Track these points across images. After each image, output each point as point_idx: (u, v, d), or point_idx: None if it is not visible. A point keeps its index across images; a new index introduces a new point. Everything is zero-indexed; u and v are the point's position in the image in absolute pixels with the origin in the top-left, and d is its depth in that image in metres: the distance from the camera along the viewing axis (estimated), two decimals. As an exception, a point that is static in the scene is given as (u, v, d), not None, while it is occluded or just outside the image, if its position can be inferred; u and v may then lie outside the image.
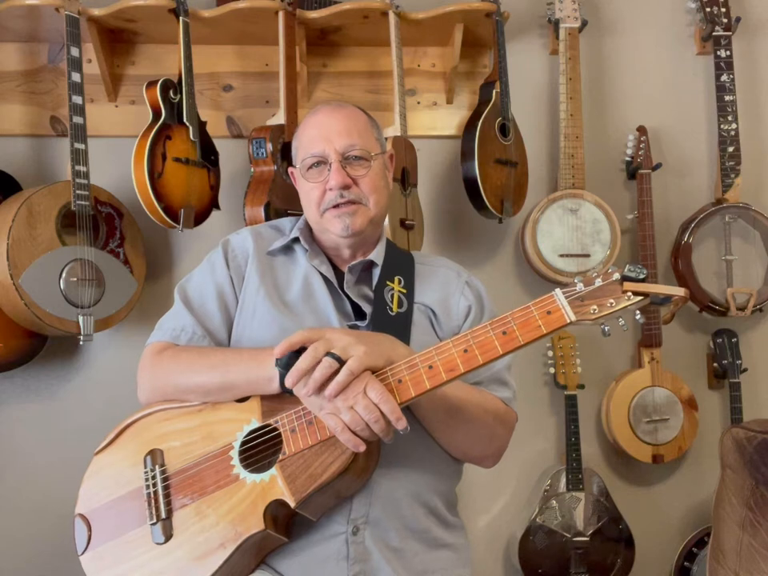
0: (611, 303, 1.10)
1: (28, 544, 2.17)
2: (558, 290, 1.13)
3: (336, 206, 1.35)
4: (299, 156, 1.41)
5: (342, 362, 1.14)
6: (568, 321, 1.11)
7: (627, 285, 1.10)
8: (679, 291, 1.10)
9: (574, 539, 2.20)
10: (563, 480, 2.22)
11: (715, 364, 2.34)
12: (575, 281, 1.14)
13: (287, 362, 1.17)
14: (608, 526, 2.22)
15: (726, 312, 2.27)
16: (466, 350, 1.14)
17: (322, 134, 1.37)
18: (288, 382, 1.15)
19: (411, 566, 1.27)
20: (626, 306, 1.10)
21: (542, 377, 2.36)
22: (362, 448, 1.14)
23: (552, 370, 2.27)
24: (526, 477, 2.34)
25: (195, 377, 1.28)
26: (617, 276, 1.11)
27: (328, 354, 1.14)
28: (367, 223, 1.37)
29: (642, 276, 1.10)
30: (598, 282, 1.12)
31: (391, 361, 1.18)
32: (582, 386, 2.25)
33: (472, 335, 1.15)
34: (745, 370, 2.31)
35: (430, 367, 1.15)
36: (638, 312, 1.13)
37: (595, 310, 1.11)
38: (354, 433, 1.13)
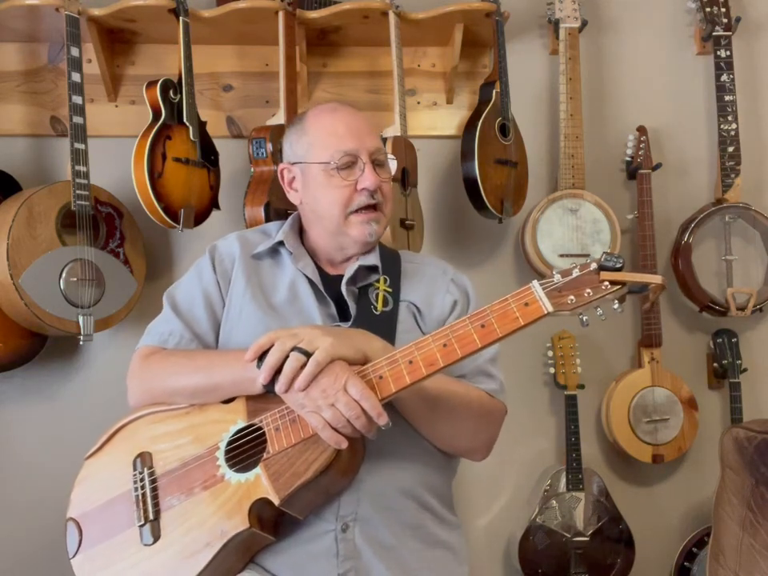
0: (588, 293, 1.11)
1: (28, 544, 2.17)
2: (535, 282, 1.14)
3: (365, 208, 1.36)
4: (321, 153, 1.37)
5: (309, 355, 1.15)
6: (545, 312, 1.12)
7: (604, 274, 1.11)
8: (656, 279, 1.11)
9: (574, 539, 2.19)
10: (563, 480, 2.22)
11: (715, 364, 2.34)
12: (553, 272, 1.14)
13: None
14: (608, 525, 2.22)
15: (726, 312, 2.27)
16: (445, 345, 1.15)
17: (351, 132, 1.37)
18: (261, 380, 1.17)
19: (405, 564, 1.26)
20: (604, 296, 1.11)
21: (541, 377, 2.36)
22: (344, 445, 1.14)
23: (552, 370, 2.26)
24: (525, 477, 2.34)
25: (182, 379, 1.29)
26: (594, 266, 1.12)
27: (295, 348, 1.15)
28: (383, 231, 1.40)
29: (618, 265, 1.11)
30: (576, 273, 1.13)
31: (363, 352, 1.19)
32: (582, 386, 2.25)
33: (451, 329, 1.16)
34: (745, 369, 2.31)
35: (410, 362, 1.16)
36: (615, 301, 1.13)
37: (572, 300, 1.11)
38: (336, 430, 1.14)
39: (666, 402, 2.27)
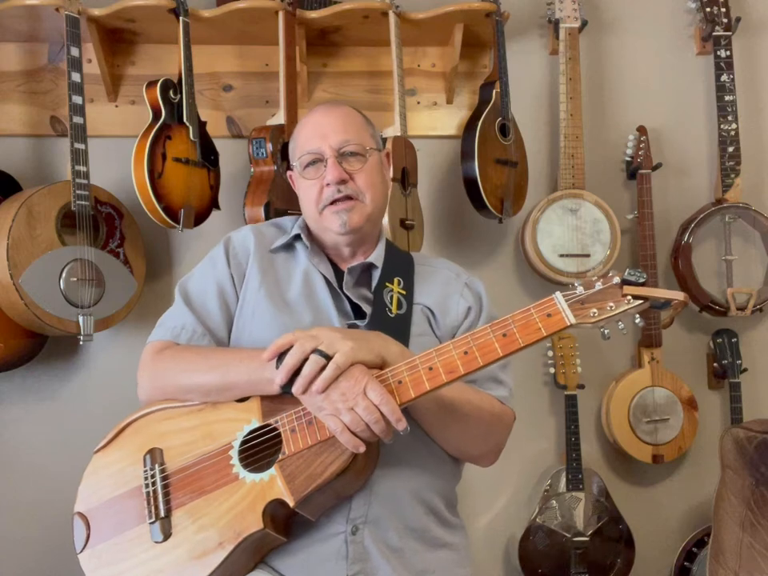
0: (611, 306, 1.11)
1: (28, 544, 2.17)
2: (558, 293, 1.14)
3: (333, 203, 1.36)
4: (296, 155, 1.42)
5: (329, 358, 1.15)
6: (568, 323, 1.12)
7: (627, 288, 1.11)
8: (679, 295, 1.11)
9: (574, 539, 2.19)
10: (563, 480, 2.22)
11: (715, 364, 2.34)
12: (575, 284, 1.14)
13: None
14: (608, 525, 2.22)
15: (725, 312, 2.27)
16: (466, 352, 1.15)
17: (317, 131, 1.38)
18: (278, 380, 1.16)
19: (411, 566, 1.27)
20: (626, 310, 1.11)
21: (541, 377, 2.36)
22: (362, 449, 1.14)
23: (552, 370, 2.27)
24: (526, 477, 2.34)
25: (196, 377, 1.28)
26: (617, 280, 1.12)
27: (315, 351, 1.15)
28: (365, 219, 1.38)
29: (641, 280, 1.11)
30: (599, 286, 1.13)
31: (382, 357, 1.19)
32: (582, 386, 2.25)
33: (472, 337, 1.15)
34: (745, 369, 2.31)
35: (430, 368, 1.15)
36: (637, 316, 1.13)
37: (595, 313, 1.11)
38: (354, 434, 1.13)
39: (666, 402, 2.27)
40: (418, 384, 1.15)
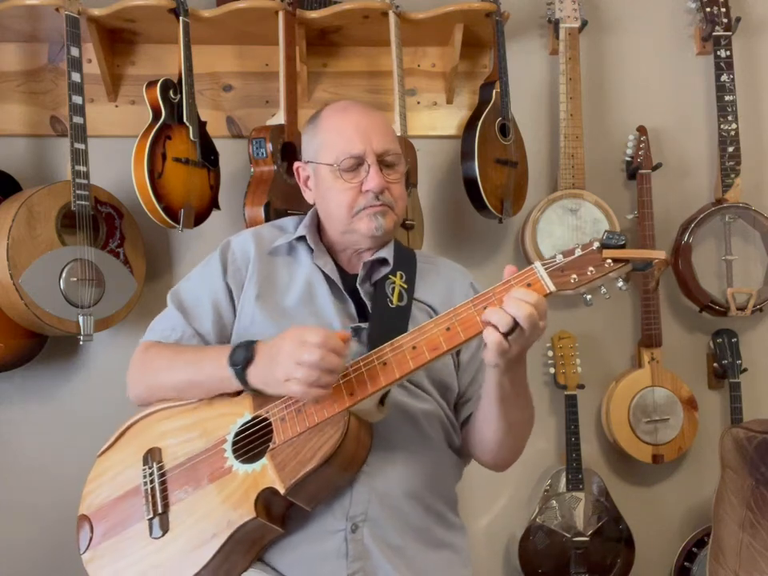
0: (591, 271, 1.11)
1: (28, 544, 2.17)
2: (537, 263, 1.15)
3: (370, 207, 1.35)
4: (328, 154, 1.37)
5: None
6: (548, 291, 1.12)
7: (606, 252, 1.11)
8: (659, 254, 1.10)
9: (574, 539, 2.19)
10: (563, 480, 2.22)
11: (715, 364, 2.34)
12: (556, 253, 1.14)
13: (240, 359, 1.21)
14: (608, 525, 2.22)
15: (725, 312, 2.27)
16: (448, 328, 1.15)
17: (359, 133, 1.35)
18: None
19: (412, 565, 1.27)
20: (607, 273, 1.11)
21: (541, 377, 2.36)
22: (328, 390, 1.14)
23: (552, 370, 2.27)
24: (526, 477, 2.34)
25: (171, 374, 1.32)
26: (596, 244, 1.12)
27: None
28: (393, 226, 1.39)
29: (621, 242, 1.10)
30: (578, 252, 1.13)
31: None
32: (582, 386, 2.25)
33: (454, 313, 1.16)
34: (745, 369, 2.31)
35: (414, 347, 1.17)
36: (620, 280, 1.13)
37: (575, 279, 1.11)
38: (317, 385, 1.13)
39: (666, 402, 2.27)
40: (402, 364, 1.17)
